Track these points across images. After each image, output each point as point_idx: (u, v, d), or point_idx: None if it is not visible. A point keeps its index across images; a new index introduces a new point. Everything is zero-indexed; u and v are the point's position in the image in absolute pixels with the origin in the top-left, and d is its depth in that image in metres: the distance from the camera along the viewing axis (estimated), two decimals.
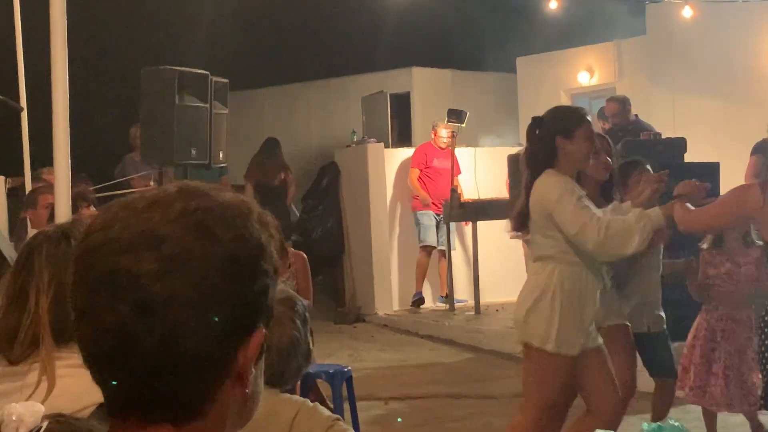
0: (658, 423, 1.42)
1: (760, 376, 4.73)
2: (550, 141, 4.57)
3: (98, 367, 1.14)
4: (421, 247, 10.82)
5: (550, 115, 4.70)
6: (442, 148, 11.03)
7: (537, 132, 4.67)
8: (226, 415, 1.15)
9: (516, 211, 4.74)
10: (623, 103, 10.02)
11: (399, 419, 6.66)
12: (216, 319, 1.11)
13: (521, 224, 4.74)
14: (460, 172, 11.01)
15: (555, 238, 4.53)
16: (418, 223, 10.89)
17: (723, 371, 5.46)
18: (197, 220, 1.13)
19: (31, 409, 1.31)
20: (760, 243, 5.42)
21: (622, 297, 5.25)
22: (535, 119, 4.72)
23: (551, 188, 4.51)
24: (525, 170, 4.75)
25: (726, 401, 5.48)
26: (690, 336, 5.75)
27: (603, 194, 5.13)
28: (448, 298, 10.64)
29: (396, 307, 10.94)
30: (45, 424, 1.29)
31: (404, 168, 11.45)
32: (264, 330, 1.15)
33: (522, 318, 4.58)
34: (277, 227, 1.22)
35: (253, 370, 1.16)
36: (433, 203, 10.84)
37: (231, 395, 1.14)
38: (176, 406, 1.13)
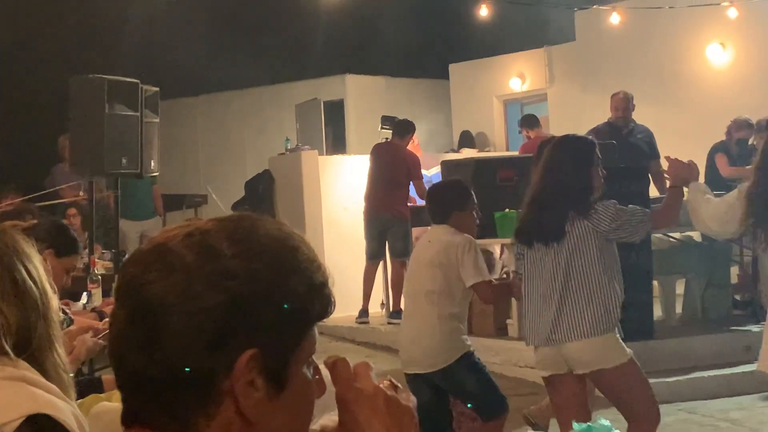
0: (588, 423, 1.44)
1: None
2: None
3: (114, 376, 1.20)
4: (405, 260, 10.29)
5: None
6: None
7: None
8: None
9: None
10: (621, 96, 9.87)
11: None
12: (196, 327, 1.11)
13: None
14: None
15: None
16: (408, 235, 10.19)
17: None
18: (205, 237, 1.16)
19: None
20: None
21: None
22: None
23: None
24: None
25: None
26: None
27: None
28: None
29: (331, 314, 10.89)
30: None
31: (338, 175, 11.42)
32: (255, 353, 1.12)
33: None
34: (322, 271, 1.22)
35: (254, 395, 1.13)
36: None
37: (231, 418, 1.13)
38: (165, 417, 1.14)
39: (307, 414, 1.21)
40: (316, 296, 1.19)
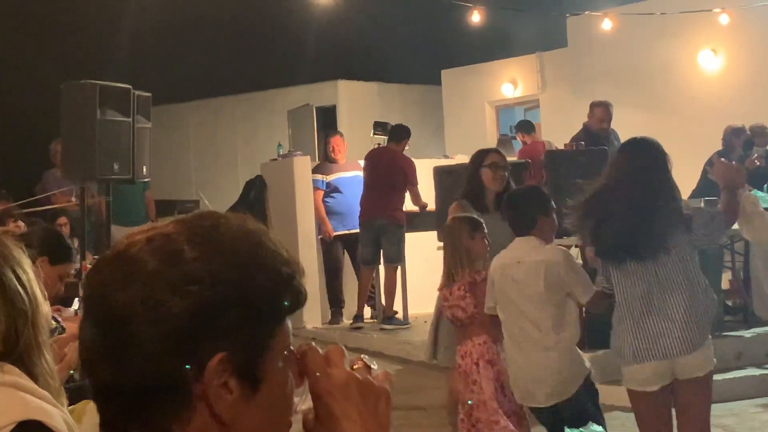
0: (581, 429, 1.43)
1: None
2: None
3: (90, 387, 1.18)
4: (397, 265, 10.20)
5: None
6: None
7: None
8: None
9: None
10: (608, 107, 9.95)
11: None
12: (162, 334, 1.10)
13: None
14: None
15: None
16: (402, 240, 10.14)
17: None
18: (166, 241, 1.14)
19: None
20: None
21: None
22: None
23: None
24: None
25: None
26: None
27: (497, 203, 5.54)
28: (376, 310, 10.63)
29: (324, 320, 10.90)
30: None
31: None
32: (224, 356, 1.11)
33: None
34: (296, 266, 1.19)
35: (226, 396, 1.12)
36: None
37: (206, 421, 1.12)
38: (140, 426, 1.13)
39: (286, 408, 1.19)
40: (285, 290, 1.17)
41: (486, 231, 5.24)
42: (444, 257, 5.37)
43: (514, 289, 4.85)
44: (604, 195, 4.53)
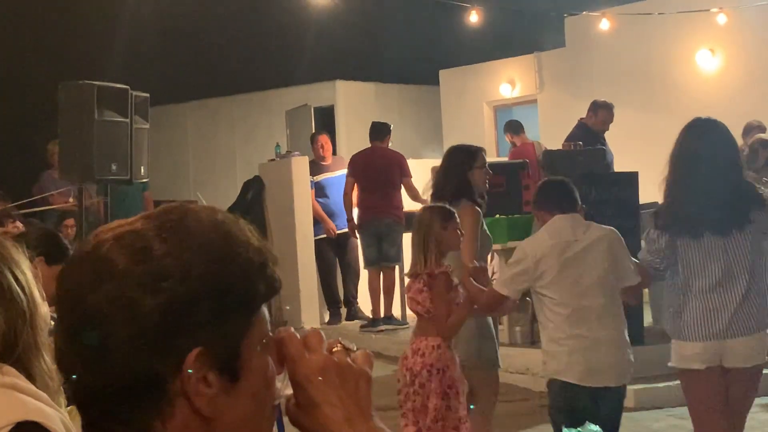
0: (578, 428, 1.44)
1: None
2: None
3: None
4: (396, 265, 10.24)
5: None
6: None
7: None
8: None
9: None
10: (613, 110, 10.00)
11: None
12: (137, 333, 1.08)
13: None
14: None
15: None
16: (402, 239, 10.10)
17: None
18: (135, 238, 1.12)
19: None
20: None
21: None
22: None
23: None
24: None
25: None
26: None
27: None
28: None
29: (323, 320, 10.89)
30: None
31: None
32: (201, 350, 1.10)
33: None
34: (269, 258, 1.17)
35: (206, 391, 1.11)
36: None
37: (188, 417, 1.11)
38: (121, 426, 1.12)
39: (269, 395, 1.18)
40: (258, 278, 1.15)
41: (459, 222, 5.03)
42: (411, 246, 5.13)
43: (579, 269, 4.64)
44: (682, 171, 4.49)
